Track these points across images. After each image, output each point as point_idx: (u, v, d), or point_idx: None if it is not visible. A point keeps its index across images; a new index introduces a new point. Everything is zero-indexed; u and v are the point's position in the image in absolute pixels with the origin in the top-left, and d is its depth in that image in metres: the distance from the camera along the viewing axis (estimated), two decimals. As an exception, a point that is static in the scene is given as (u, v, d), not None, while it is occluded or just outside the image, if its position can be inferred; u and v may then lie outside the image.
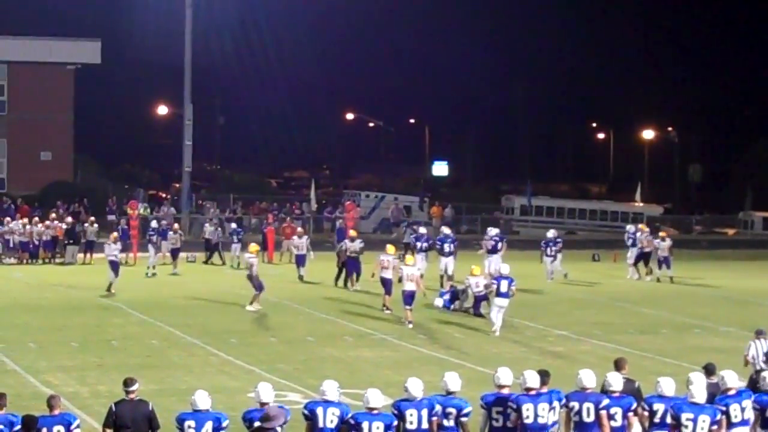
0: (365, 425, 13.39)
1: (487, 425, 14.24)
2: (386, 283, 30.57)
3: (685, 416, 13.85)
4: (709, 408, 14.01)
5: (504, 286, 27.20)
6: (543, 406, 14.09)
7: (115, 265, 34.21)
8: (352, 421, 13.46)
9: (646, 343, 26.28)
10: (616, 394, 14.39)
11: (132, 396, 13.77)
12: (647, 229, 41.47)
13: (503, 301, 27.20)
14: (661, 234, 40.73)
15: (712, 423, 13.91)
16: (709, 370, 15.60)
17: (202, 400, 13.35)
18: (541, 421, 14.05)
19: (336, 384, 13.86)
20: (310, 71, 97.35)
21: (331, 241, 48.71)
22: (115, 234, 37.35)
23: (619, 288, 37.63)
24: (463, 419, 13.99)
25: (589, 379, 14.40)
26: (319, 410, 13.53)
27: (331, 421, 13.48)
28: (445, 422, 13.94)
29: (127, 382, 13.89)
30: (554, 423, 14.32)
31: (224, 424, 13.35)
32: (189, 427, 13.19)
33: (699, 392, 14.05)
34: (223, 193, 64.72)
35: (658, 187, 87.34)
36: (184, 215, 53.13)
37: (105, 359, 23.37)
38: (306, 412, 13.58)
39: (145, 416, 13.61)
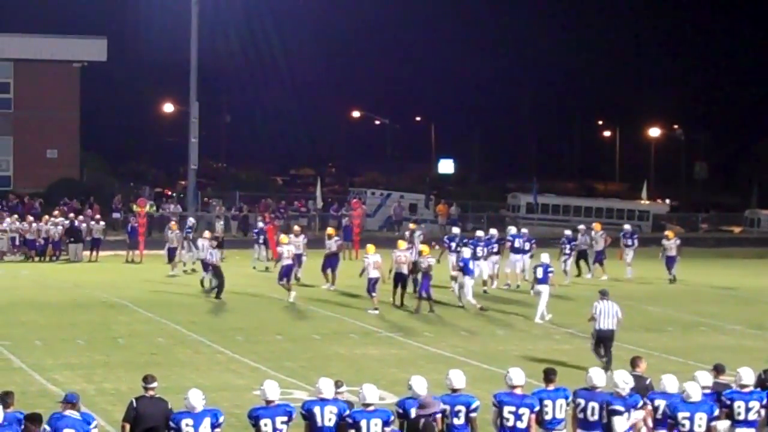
0: (363, 423, 13.38)
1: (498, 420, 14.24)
2: (400, 278, 31.22)
3: (681, 415, 13.83)
4: (704, 404, 13.98)
5: (540, 272, 28.99)
6: (561, 403, 14.30)
7: (205, 265, 34.18)
8: (349, 420, 13.44)
9: (652, 341, 26.24)
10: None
11: (151, 393, 13.78)
12: (600, 229, 40.09)
13: (543, 287, 28.78)
14: (667, 233, 40.23)
15: (710, 419, 13.89)
16: (718, 370, 15.57)
17: (198, 402, 13.30)
18: (559, 416, 14.25)
19: (331, 382, 13.85)
20: (316, 69, 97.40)
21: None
22: (207, 232, 37.33)
23: (624, 286, 37.50)
24: (472, 415, 13.98)
25: (599, 378, 14.40)
26: (317, 409, 13.54)
27: (330, 420, 13.49)
28: (455, 420, 13.91)
29: (148, 379, 13.90)
30: (560, 420, 14.34)
31: (221, 420, 13.36)
32: (187, 425, 13.15)
33: (695, 390, 14.03)
34: (229, 190, 64.76)
35: (665, 184, 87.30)
36: (190, 213, 53.11)
37: (111, 357, 23.38)
38: (303, 411, 13.57)
39: (164, 414, 13.56)
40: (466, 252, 31.53)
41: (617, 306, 22.54)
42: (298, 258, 35.96)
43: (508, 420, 14.03)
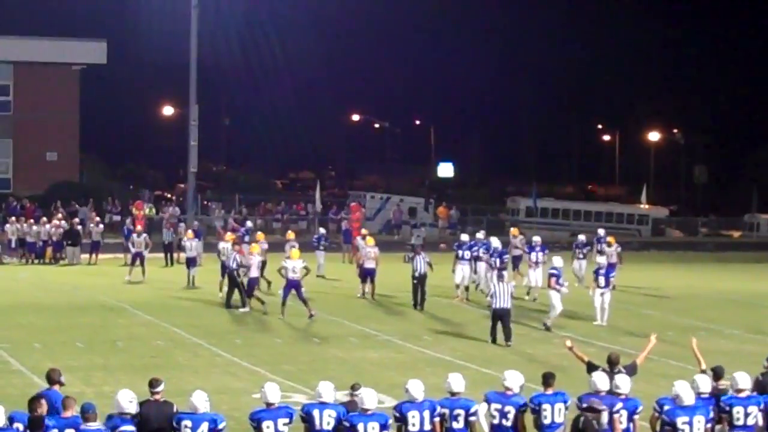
0: (360, 427, 13.41)
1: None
2: (368, 273, 32.95)
3: (681, 420, 13.77)
4: (702, 408, 13.98)
5: (602, 279, 30.11)
6: (559, 407, 14.28)
7: (191, 261, 35.95)
8: (347, 424, 13.47)
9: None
10: (623, 396, 14.38)
11: (157, 397, 13.72)
12: (519, 234, 38.45)
13: (605, 290, 29.89)
14: (608, 239, 38.25)
15: (708, 421, 13.88)
16: (717, 373, 15.52)
17: (201, 403, 13.30)
18: (558, 420, 14.25)
19: (332, 385, 13.87)
20: (316, 72, 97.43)
21: (337, 242, 48.56)
22: (190, 232, 38.08)
23: (624, 290, 37.47)
24: (472, 419, 13.99)
25: (603, 382, 14.39)
26: (315, 412, 13.57)
27: (328, 423, 13.51)
28: (455, 424, 13.91)
29: (153, 383, 13.81)
30: (559, 425, 14.33)
31: (220, 426, 13.30)
32: (185, 427, 13.17)
33: (687, 394, 14.01)
34: (229, 193, 64.76)
35: (664, 188, 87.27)
36: (190, 216, 53.09)
37: (110, 360, 23.38)
38: (302, 413, 13.61)
39: (169, 417, 13.50)
40: (557, 261, 29.60)
41: (511, 287, 26.70)
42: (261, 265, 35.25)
43: (494, 418, 14.18)
